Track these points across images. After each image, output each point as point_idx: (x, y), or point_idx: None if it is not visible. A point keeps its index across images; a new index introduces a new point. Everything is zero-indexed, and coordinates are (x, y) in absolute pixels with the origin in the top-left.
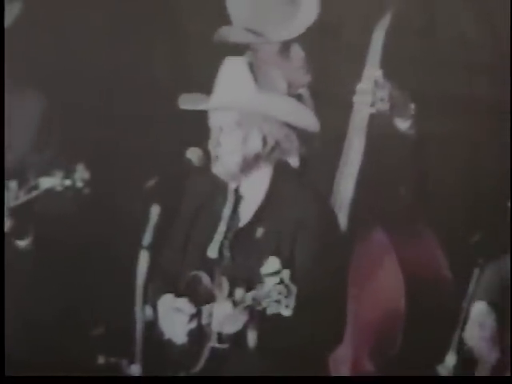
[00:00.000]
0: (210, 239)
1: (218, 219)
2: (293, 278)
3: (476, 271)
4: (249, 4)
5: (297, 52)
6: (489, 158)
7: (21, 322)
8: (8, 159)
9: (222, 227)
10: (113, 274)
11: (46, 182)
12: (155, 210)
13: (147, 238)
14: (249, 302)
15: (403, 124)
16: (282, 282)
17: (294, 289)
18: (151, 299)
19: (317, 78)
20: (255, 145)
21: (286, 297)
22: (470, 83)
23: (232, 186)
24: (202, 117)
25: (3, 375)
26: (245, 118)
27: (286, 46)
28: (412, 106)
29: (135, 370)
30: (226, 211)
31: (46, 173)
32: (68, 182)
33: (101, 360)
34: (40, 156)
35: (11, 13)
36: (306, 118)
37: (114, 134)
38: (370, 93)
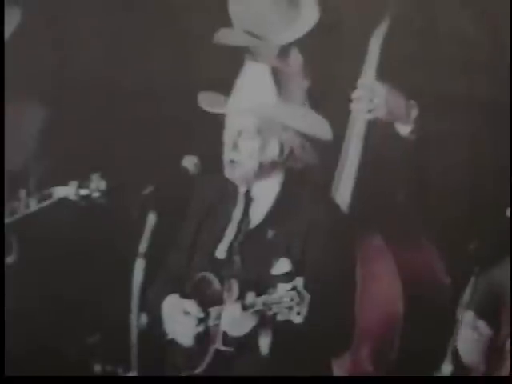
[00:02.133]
0: (218, 241)
1: (227, 221)
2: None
3: (472, 279)
4: (250, 7)
5: (295, 56)
6: (488, 161)
7: (17, 329)
8: (10, 169)
9: (231, 229)
10: (109, 281)
11: (60, 191)
12: (151, 218)
13: (143, 246)
14: (259, 306)
15: (404, 129)
16: (294, 288)
17: (307, 296)
18: (152, 303)
19: (314, 83)
20: (273, 152)
21: (298, 304)
22: (470, 83)
23: (242, 188)
24: (200, 123)
25: (3, 375)
26: (265, 124)
27: (284, 51)
28: (414, 111)
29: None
30: (237, 213)
31: (60, 182)
32: (84, 192)
33: (97, 368)
34: (41, 165)
35: (10, 23)
36: (321, 128)
37: (111, 141)
38: (366, 99)
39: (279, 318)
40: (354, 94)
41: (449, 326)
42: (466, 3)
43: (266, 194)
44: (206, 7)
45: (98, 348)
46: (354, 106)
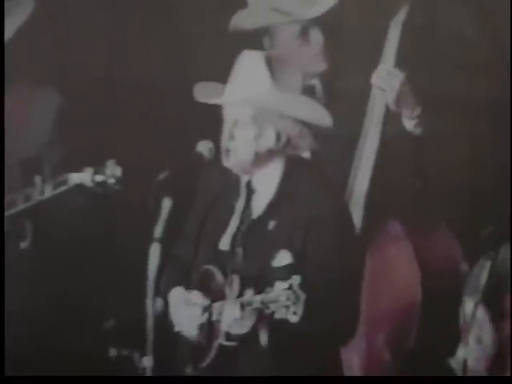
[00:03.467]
0: (222, 232)
1: (231, 212)
2: (304, 271)
3: (487, 264)
4: None
5: (316, 36)
6: (489, 161)
7: (32, 314)
8: (25, 155)
9: (234, 220)
10: (124, 266)
11: (75, 178)
12: (167, 203)
13: (158, 231)
14: (257, 304)
15: (409, 123)
16: (290, 287)
17: (302, 296)
18: (163, 291)
19: (333, 68)
20: (269, 141)
21: (294, 303)
22: (470, 83)
23: (244, 179)
24: (213, 109)
25: (3, 375)
26: (260, 113)
27: (306, 29)
28: (418, 108)
29: (147, 362)
30: (239, 204)
31: (75, 168)
32: (99, 178)
33: (112, 352)
34: (56, 152)
35: (24, 10)
36: (320, 115)
37: (125, 128)
38: (384, 81)
39: (276, 316)
40: (375, 76)
41: None
42: (465, 3)
43: (267, 184)
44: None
45: (113, 333)
46: (374, 86)
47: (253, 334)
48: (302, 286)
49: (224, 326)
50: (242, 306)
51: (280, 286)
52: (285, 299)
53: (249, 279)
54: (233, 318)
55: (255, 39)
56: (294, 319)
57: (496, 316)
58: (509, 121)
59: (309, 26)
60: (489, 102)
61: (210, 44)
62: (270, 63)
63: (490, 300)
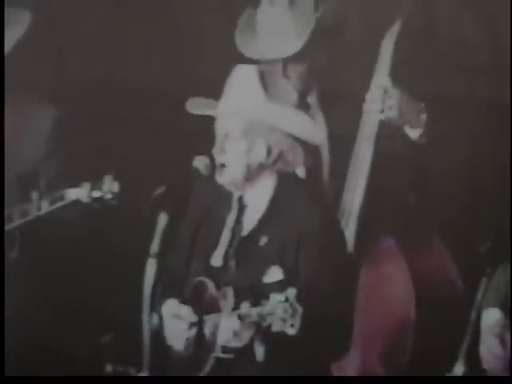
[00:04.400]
0: (214, 247)
1: (222, 226)
2: (296, 288)
3: (484, 280)
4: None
5: (294, 70)
6: (489, 163)
7: (26, 328)
8: (22, 170)
9: (226, 235)
10: (120, 281)
11: (72, 194)
12: (163, 218)
13: (155, 246)
14: (254, 317)
15: (413, 132)
16: (287, 300)
17: (299, 309)
18: (158, 306)
19: (325, 85)
20: (259, 155)
21: (291, 316)
22: (470, 83)
23: (236, 194)
24: (210, 124)
25: (3, 375)
26: (251, 126)
27: (286, 64)
28: (423, 115)
29: None
30: (230, 219)
31: (72, 184)
32: (97, 194)
33: (108, 368)
34: (53, 167)
35: (21, 25)
36: (313, 131)
37: (121, 142)
38: (380, 101)
39: (274, 329)
40: (368, 95)
41: (461, 328)
42: (465, 5)
43: (258, 199)
44: (206, 8)
45: (109, 348)
46: (367, 107)
47: (249, 346)
48: (298, 298)
49: (221, 339)
50: (241, 318)
51: (276, 299)
52: (281, 312)
53: (243, 291)
54: (231, 330)
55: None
56: (291, 331)
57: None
58: (509, 121)
59: (286, 63)
60: (489, 103)
61: (211, 53)
62: (263, 77)
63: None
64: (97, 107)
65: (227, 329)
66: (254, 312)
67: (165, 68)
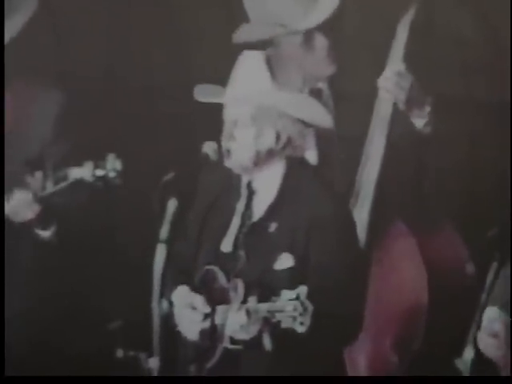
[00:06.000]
0: (223, 233)
1: (231, 213)
2: (306, 274)
3: (494, 265)
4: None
5: (321, 41)
6: (491, 156)
7: (38, 313)
8: (27, 151)
9: (235, 222)
10: (130, 266)
11: (75, 173)
12: (172, 204)
13: (164, 232)
14: (263, 313)
15: (419, 122)
16: (297, 298)
17: (310, 307)
18: (168, 291)
19: (339, 70)
20: (268, 140)
21: (301, 314)
22: (469, 83)
23: (245, 179)
24: (218, 110)
25: (3, 375)
26: (259, 113)
27: (309, 36)
28: (428, 107)
29: (154, 363)
30: (240, 205)
31: (75, 163)
32: (100, 173)
33: (119, 353)
34: (57, 149)
35: (27, 9)
36: (321, 116)
37: (130, 127)
38: (393, 83)
39: (283, 325)
40: (383, 74)
41: (472, 313)
42: (465, 3)
43: (268, 185)
44: (208, 3)
45: (119, 334)
46: (382, 88)
47: (258, 337)
48: (309, 296)
49: (229, 331)
50: (248, 313)
51: (286, 296)
52: (291, 309)
53: (253, 284)
54: (238, 324)
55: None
56: (301, 329)
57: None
58: (509, 121)
59: (312, 32)
60: (488, 102)
61: (213, 42)
62: (270, 63)
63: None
64: (102, 92)
65: (235, 322)
66: (264, 308)
67: (171, 53)
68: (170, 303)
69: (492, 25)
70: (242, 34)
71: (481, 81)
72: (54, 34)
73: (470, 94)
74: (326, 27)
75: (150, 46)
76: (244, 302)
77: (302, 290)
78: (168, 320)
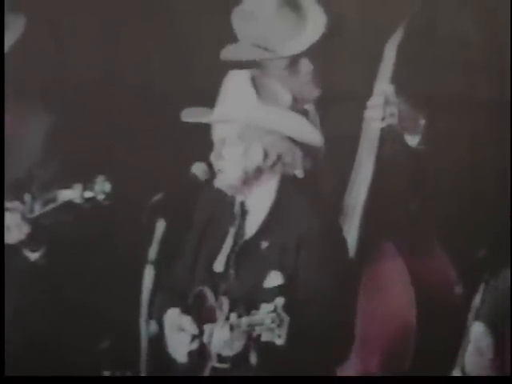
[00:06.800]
0: (217, 254)
1: (225, 233)
2: (296, 293)
3: (482, 286)
4: (255, 20)
5: (306, 66)
6: (490, 165)
7: (24, 334)
8: (15, 173)
9: (228, 241)
10: (118, 288)
11: (64, 195)
12: (161, 225)
13: (152, 253)
14: (244, 327)
15: (412, 140)
16: (275, 310)
17: (286, 318)
18: (157, 313)
19: (326, 91)
20: (256, 158)
21: (278, 326)
22: (470, 83)
23: (238, 199)
24: (207, 131)
25: (3, 375)
26: (246, 131)
27: (294, 61)
28: (422, 121)
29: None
30: (233, 226)
31: (64, 185)
32: (89, 194)
33: (106, 374)
34: (46, 170)
35: (15, 31)
36: (309, 133)
37: (119, 148)
38: (381, 108)
39: (263, 338)
40: (370, 102)
41: (460, 334)
42: (465, 3)
43: (260, 204)
44: (206, 11)
45: (107, 354)
46: (368, 114)
47: (243, 353)
48: (285, 308)
49: (215, 348)
50: (232, 328)
51: (265, 309)
52: (269, 322)
53: (237, 301)
54: (223, 340)
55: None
56: (279, 342)
57: (499, 339)
58: (509, 121)
59: (297, 57)
60: (489, 103)
61: (209, 60)
62: (255, 80)
63: (494, 323)
64: (92, 112)
65: (219, 338)
66: (245, 322)
67: (163, 73)
68: (160, 324)
69: (493, 24)
70: (229, 53)
71: (482, 80)
72: (42, 54)
73: (471, 93)
74: (312, 52)
75: (144, 62)
76: (228, 318)
77: (279, 301)
78: (157, 341)
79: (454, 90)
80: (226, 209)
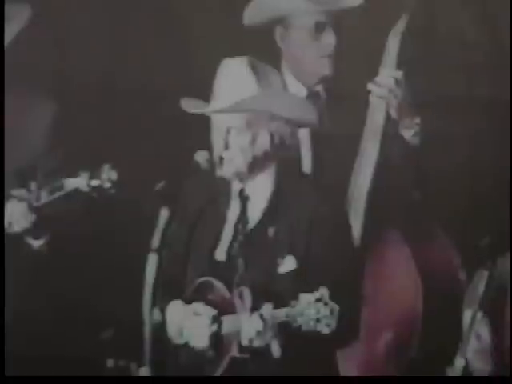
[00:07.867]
0: (215, 242)
1: (221, 223)
2: (309, 276)
3: (485, 273)
4: None
5: (329, 37)
6: (491, 160)
7: (28, 323)
8: (21, 161)
9: (228, 229)
10: (122, 276)
11: (71, 183)
12: (164, 213)
13: (156, 241)
14: (282, 318)
15: (407, 132)
16: (320, 300)
17: (336, 308)
18: (159, 301)
19: (337, 73)
20: (264, 144)
21: (325, 316)
22: (470, 83)
23: (236, 187)
24: (209, 119)
25: (3, 375)
26: (254, 118)
27: (320, 26)
28: (417, 118)
29: (144, 373)
30: (232, 213)
31: (70, 174)
32: (95, 183)
33: (110, 363)
34: (52, 159)
35: (20, 19)
36: (309, 114)
37: (122, 136)
38: (387, 89)
39: (304, 329)
40: (375, 83)
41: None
42: (465, 4)
43: (261, 190)
44: (208, 7)
45: (111, 343)
46: (374, 93)
47: (268, 345)
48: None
49: (244, 340)
50: (263, 320)
51: (306, 299)
52: (314, 312)
53: (260, 290)
54: (255, 330)
55: (264, 34)
56: (325, 331)
57: (496, 327)
58: (509, 121)
59: (324, 25)
60: (489, 102)
61: (211, 50)
62: (253, 66)
63: (490, 311)
64: (98, 100)
65: (250, 329)
66: (282, 313)
67: (166, 62)
68: (162, 312)
69: (493, 25)
70: (253, 13)
71: (482, 80)
72: (48, 42)
73: (470, 93)
74: (338, 24)
75: (146, 52)
76: (255, 308)
77: (324, 291)
78: (160, 330)
79: (453, 89)
80: (221, 197)
